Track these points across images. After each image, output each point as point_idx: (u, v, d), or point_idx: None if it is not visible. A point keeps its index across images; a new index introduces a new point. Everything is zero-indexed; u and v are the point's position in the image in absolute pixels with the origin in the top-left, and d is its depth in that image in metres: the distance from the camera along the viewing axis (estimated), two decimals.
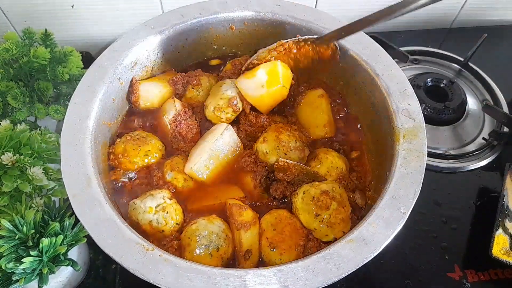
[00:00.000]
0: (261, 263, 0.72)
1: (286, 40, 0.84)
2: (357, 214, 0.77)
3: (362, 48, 0.85)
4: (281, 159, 0.75)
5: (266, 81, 0.81)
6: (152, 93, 0.88)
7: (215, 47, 0.99)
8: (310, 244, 0.71)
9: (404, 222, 0.64)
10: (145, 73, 0.91)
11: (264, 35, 0.96)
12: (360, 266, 0.60)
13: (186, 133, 0.83)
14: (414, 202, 0.66)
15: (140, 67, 0.89)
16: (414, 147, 0.72)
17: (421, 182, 0.68)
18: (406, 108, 0.76)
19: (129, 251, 0.61)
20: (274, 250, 0.69)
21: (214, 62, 1.00)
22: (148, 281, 0.58)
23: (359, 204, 0.78)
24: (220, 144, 0.79)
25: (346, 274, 0.59)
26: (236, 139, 0.82)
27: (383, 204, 0.66)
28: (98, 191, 0.67)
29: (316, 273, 0.59)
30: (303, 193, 0.74)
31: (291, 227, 0.71)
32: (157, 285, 0.58)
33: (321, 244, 0.72)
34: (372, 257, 0.61)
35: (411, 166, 0.69)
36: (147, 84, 0.89)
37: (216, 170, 0.79)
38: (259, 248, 0.72)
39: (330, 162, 0.79)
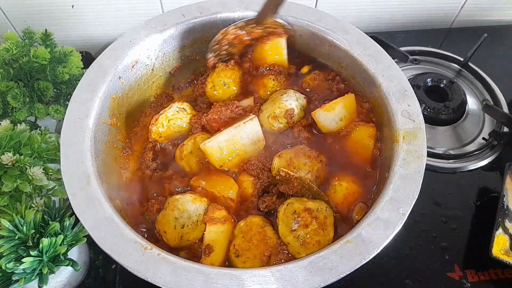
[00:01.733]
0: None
1: (225, 28, 0.87)
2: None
3: (363, 48, 0.85)
4: (282, 169, 0.74)
5: (344, 117, 0.83)
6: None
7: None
8: (280, 256, 0.69)
9: (403, 223, 0.64)
10: (146, 72, 0.91)
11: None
12: (358, 267, 0.60)
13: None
14: (413, 203, 0.65)
15: (141, 66, 0.89)
16: (414, 148, 0.71)
17: (420, 184, 0.67)
18: (406, 109, 0.76)
19: (127, 249, 0.61)
20: (238, 257, 0.69)
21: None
22: (146, 279, 0.58)
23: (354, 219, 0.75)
24: (239, 132, 0.78)
25: (344, 274, 0.59)
26: (259, 131, 0.79)
27: (382, 205, 0.65)
28: (97, 190, 0.67)
29: (314, 273, 0.59)
30: (287, 204, 0.72)
31: (260, 236, 0.70)
32: (155, 284, 0.58)
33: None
34: (371, 258, 0.60)
35: (410, 168, 0.69)
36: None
37: (228, 156, 0.78)
38: (227, 252, 0.71)
39: (345, 189, 0.76)
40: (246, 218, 0.73)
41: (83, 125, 0.74)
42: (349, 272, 0.59)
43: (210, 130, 0.84)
